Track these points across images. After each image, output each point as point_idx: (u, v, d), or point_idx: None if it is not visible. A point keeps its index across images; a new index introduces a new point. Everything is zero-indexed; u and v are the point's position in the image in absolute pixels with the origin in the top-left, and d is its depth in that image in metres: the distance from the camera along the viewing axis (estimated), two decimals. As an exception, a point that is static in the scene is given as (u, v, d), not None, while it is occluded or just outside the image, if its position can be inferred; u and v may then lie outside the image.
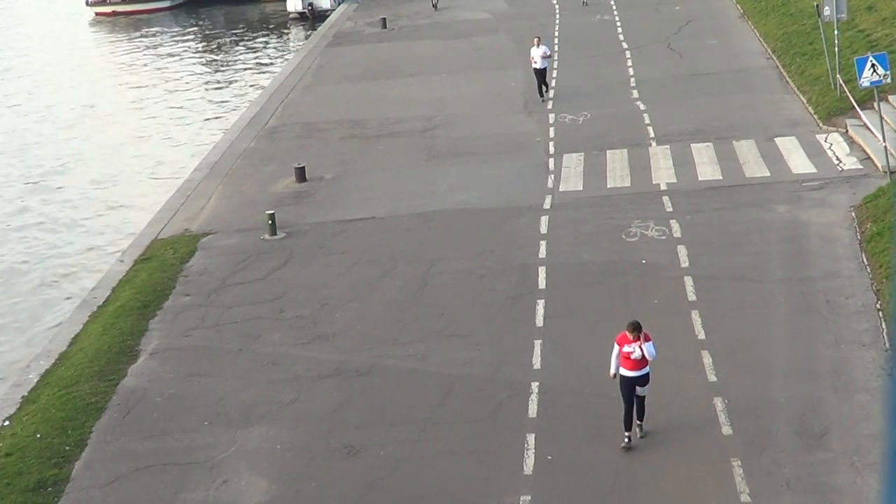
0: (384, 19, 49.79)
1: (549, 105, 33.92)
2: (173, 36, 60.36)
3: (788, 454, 15.36)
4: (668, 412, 16.58)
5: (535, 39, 34.36)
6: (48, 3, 73.44)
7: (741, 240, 22.63)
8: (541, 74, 34.45)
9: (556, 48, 42.10)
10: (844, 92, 29.50)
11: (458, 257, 23.11)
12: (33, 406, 18.77)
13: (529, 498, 14.98)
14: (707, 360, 17.96)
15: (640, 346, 15.71)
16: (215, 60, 53.86)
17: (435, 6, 51.86)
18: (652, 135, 30.10)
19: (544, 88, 34.64)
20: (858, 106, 28.25)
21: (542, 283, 21.44)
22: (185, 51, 56.23)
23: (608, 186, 26.52)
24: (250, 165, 31.10)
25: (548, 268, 22.14)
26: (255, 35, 58.80)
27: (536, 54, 33.93)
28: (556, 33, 44.83)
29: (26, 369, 20.62)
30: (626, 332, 15.88)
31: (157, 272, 23.85)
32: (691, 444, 15.82)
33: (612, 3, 49.33)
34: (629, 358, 15.84)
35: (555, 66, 38.98)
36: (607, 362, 18.27)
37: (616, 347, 16.02)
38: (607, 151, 29.02)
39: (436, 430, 16.77)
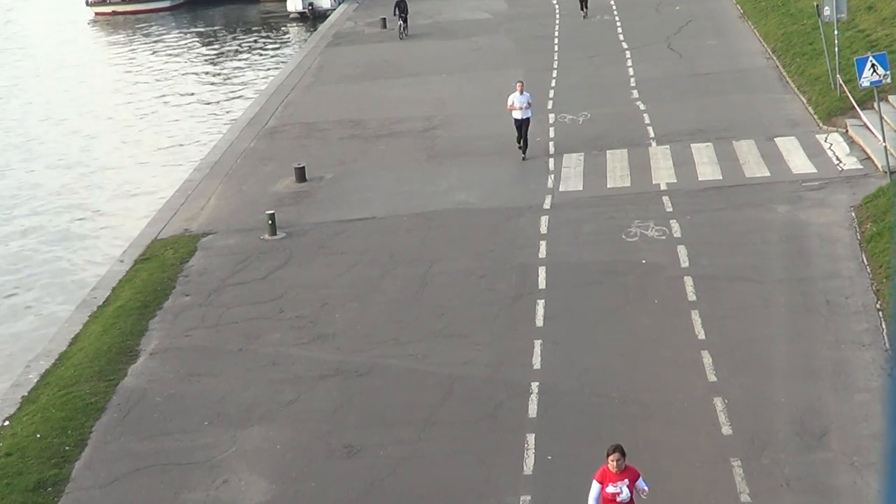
0: (384, 19, 49.76)
1: (549, 105, 33.90)
2: (173, 36, 60.35)
3: (788, 454, 15.35)
4: (668, 412, 16.57)
5: (518, 84, 28.94)
6: (48, 2, 73.43)
7: (741, 240, 22.62)
8: (523, 126, 28.63)
9: (556, 48, 42.14)
10: (844, 92, 29.50)
11: (458, 257, 23.10)
12: (33, 406, 18.77)
13: (529, 498, 14.97)
14: (707, 360, 17.95)
15: (628, 486, 12.90)
16: (215, 60, 53.84)
17: (401, 35, 46.19)
18: (652, 135, 30.10)
19: (524, 144, 28.75)
20: (858, 106, 28.24)
21: (542, 283, 21.43)
22: (185, 51, 56.21)
23: (608, 186, 26.52)
24: (250, 165, 31.10)
25: (548, 268, 22.13)
26: (255, 35, 58.79)
27: (519, 102, 28.44)
28: (557, 33, 44.83)
29: (26, 369, 20.62)
30: (608, 465, 12.96)
31: (157, 272, 23.85)
32: (691, 444, 15.81)
33: (612, 3, 49.32)
34: (615, 500, 12.95)
35: (555, 67, 39.01)
36: (608, 362, 18.30)
37: (595, 487, 13.03)
38: (607, 151, 29.02)
39: (436, 430, 16.77)
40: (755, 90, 33.63)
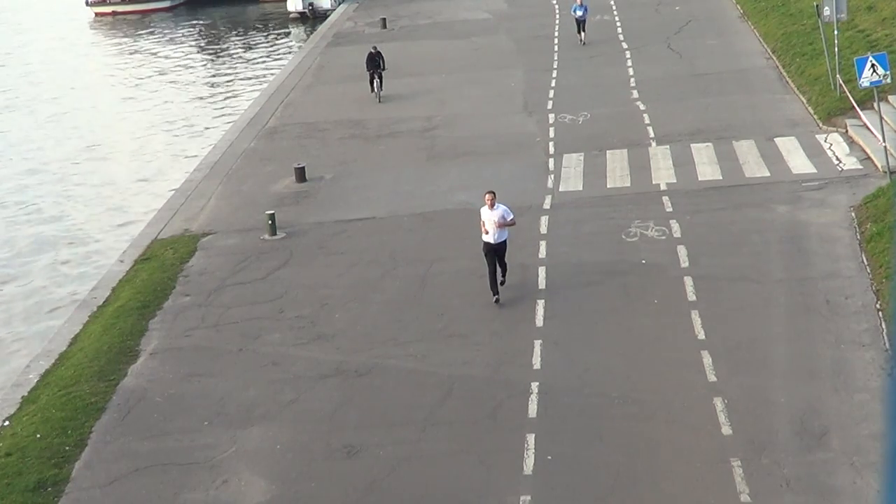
0: (384, 19, 49.84)
1: (549, 105, 33.89)
2: (173, 36, 60.35)
3: (788, 454, 15.35)
4: (668, 412, 16.57)
5: (488, 197, 20.53)
6: (48, 2, 73.44)
7: (741, 240, 22.62)
8: (498, 253, 20.75)
9: (556, 48, 42.14)
10: (844, 92, 29.50)
11: (458, 257, 23.09)
12: (33, 406, 18.76)
13: (529, 498, 14.97)
14: (707, 360, 17.95)
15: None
16: (215, 61, 53.85)
17: (377, 97, 36.30)
18: (652, 135, 30.10)
19: (501, 274, 20.84)
20: (858, 106, 28.25)
21: (542, 283, 21.43)
22: (185, 51, 56.22)
23: (608, 186, 26.52)
24: (250, 165, 31.10)
25: (548, 268, 22.13)
26: (255, 35, 58.80)
27: (490, 221, 20.44)
28: (556, 33, 44.84)
29: (26, 369, 20.62)
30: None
31: (157, 272, 23.85)
32: (691, 444, 15.81)
33: (612, 3, 49.32)
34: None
35: (555, 67, 39.00)
36: (608, 362, 18.28)
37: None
38: (607, 151, 29.02)
39: (436, 430, 16.76)
40: (755, 90, 33.63)
